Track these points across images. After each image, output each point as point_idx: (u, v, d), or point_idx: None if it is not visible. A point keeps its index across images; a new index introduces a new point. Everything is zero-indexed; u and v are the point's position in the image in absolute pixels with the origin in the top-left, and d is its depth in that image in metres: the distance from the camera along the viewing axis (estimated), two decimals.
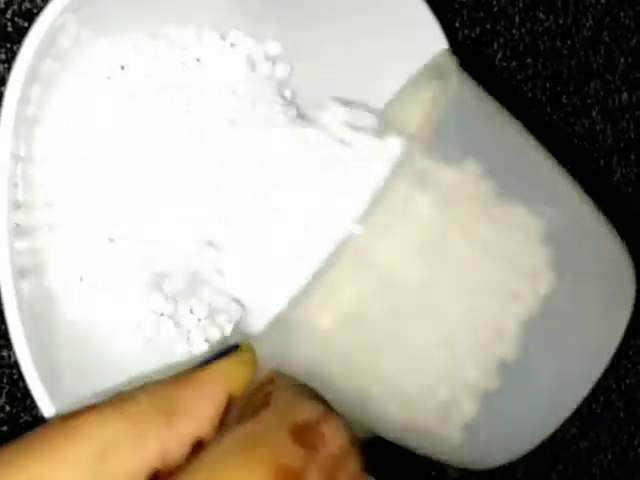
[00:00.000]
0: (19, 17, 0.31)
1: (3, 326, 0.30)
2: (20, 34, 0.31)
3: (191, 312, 0.31)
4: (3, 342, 0.31)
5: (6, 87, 0.27)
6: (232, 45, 0.31)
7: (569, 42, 0.44)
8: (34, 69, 0.27)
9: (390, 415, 0.26)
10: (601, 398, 0.48)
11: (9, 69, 0.31)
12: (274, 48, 0.31)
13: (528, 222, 0.26)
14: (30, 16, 0.31)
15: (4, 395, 0.31)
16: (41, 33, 0.27)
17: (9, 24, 0.31)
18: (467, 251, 0.25)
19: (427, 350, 0.25)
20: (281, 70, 0.31)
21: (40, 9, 0.31)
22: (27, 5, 0.31)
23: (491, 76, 0.42)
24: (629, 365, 0.48)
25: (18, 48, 0.31)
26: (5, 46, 0.31)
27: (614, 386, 0.48)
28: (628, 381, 0.48)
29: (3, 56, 0.31)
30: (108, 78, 0.29)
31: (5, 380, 0.32)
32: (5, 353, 0.31)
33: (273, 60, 0.31)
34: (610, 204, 0.46)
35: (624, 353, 0.48)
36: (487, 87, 0.42)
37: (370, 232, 0.24)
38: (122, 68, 0.30)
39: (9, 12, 0.31)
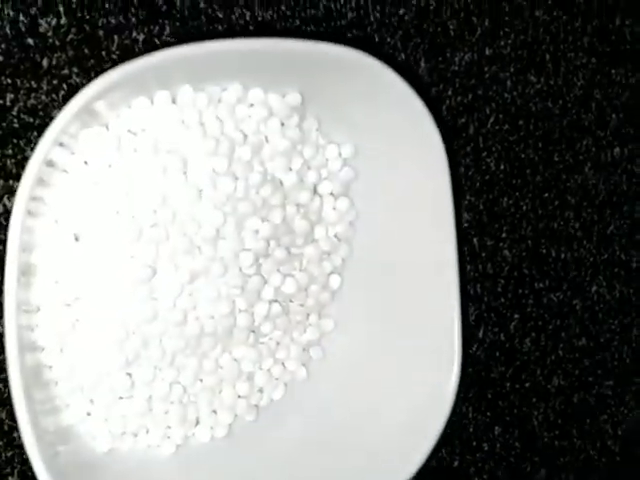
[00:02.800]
0: (25, 113, 0.32)
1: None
2: (26, 129, 0.32)
3: None
4: (13, 424, 0.32)
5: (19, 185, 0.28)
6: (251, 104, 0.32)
7: (560, 102, 0.45)
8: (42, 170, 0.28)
9: None
10: (598, 443, 0.49)
11: (16, 165, 0.32)
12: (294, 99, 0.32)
13: None
14: (35, 112, 0.32)
15: (15, 475, 0.33)
16: (50, 141, 0.28)
17: (15, 121, 0.32)
18: None
19: None
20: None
21: (45, 105, 0.32)
22: (32, 102, 0.32)
23: (485, 139, 0.43)
24: (625, 411, 0.49)
25: (25, 144, 0.32)
26: (12, 142, 0.32)
27: (610, 432, 0.49)
28: (624, 427, 0.49)
29: (10, 151, 0.32)
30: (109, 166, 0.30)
31: (16, 460, 0.33)
32: (16, 434, 0.32)
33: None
34: (605, 256, 0.47)
35: (620, 399, 0.49)
36: (480, 150, 0.43)
37: None
38: (134, 134, 0.31)
39: (15, 109, 0.32)
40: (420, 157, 0.35)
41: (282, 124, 0.33)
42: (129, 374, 0.32)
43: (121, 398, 0.32)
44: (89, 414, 0.32)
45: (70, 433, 0.31)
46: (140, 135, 0.30)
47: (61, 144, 0.29)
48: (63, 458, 0.30)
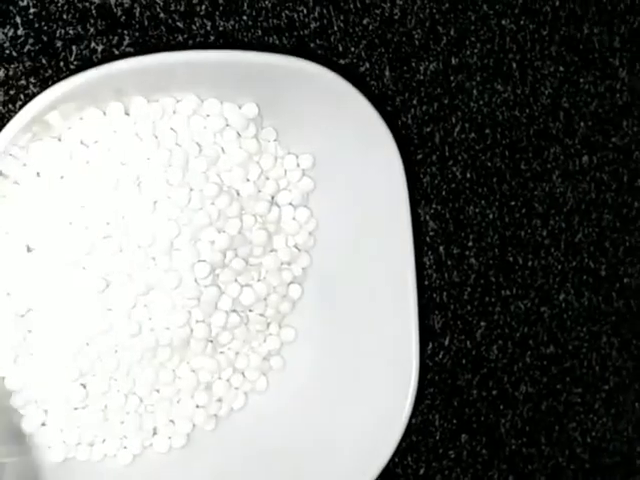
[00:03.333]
0: None
1: None
2: None
3: None
4: None
5: None
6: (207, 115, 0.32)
7: (527, 110, 0.46)
8: None
9: None
10: (567, 451, 0.49)
11: None
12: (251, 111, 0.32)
13: None
14: None
15: None
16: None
17: None
18: None
19: None
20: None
21: (2, 116, 0.32)
22: None
23: (451, 148, 0.43)
24: (594, 418, 0.49)
25: None
26: None
27: (579, 439, 0.49)
28: (593, 434, 0.50)
29: None
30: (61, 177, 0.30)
31: None
32: None
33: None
34: (573, 264, 0.48)
35: (589, 407, 0.49)
36: (446, 158, 0.43)
37: None
38: (87, 146, 0.31)
39: None
40: (378, 167, 0.35)
41: (239, 135, 0.33)
42: (83, 385, 0.32)
43: (76, 408, 0.32)
44: (44, 424, 0.32)
45: (24, 444, 0.31)
46: (92, 147, 0.30)
47: (11, 155, 0.29)
48: (11, 469, 0.30)
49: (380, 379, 0.37)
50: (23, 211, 0.30)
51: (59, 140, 0.30)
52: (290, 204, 0.35)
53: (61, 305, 0.30)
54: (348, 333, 0.37)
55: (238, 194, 0.33)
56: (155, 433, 0.34)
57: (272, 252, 0.35)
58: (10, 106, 0.33)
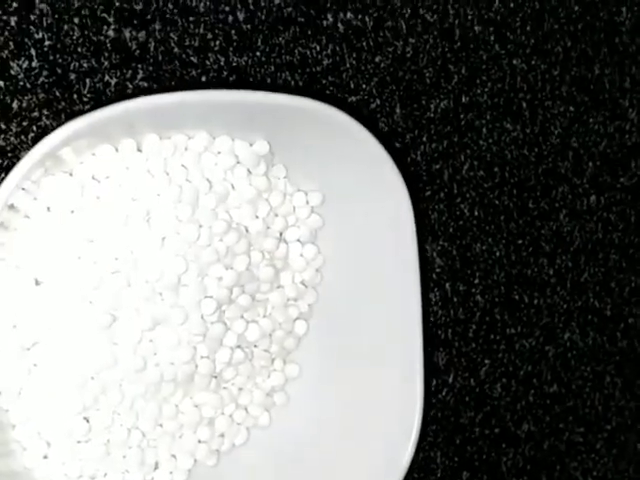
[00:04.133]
0: None
1: None
2: None
3: None
4: None
5: None
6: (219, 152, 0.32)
7: (536, 149, 0.46)
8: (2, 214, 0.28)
9: None
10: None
11: None
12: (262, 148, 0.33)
13: None
14: (4, 153, 0.33)
15: None
16: (12, 186, 0.28)
17: None
18: None
19: None
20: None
21: (14, 147, 0.33)
22: (1, 143, 0.33)
23: (459, 185, 0.43)
24: (596, 458, 0.49)
25: None
26: None
27: (581, 479, 0.49)
28: (595, 473, 0.49)
29: None
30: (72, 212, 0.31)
31: None
32: None
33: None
34: (579, 303, 0.48)
35: (591, 447, 0.49)
36: (454, 196, 0.43)
37: None
38: (98, 181, 0.31)
39: None
40: (386, 206, 0.35)
41: (249, 172, 0.33)
42: (86, 419, 0.32)
43: (79, 442, 0.32)
44: (46, 457, 0.32)
45: (26, 477, 0.31)
46: (104, 182, 0.30)
47: (23, 189, 0.29)
48: None
49: (384, 416, 0.37)
50: (33, 244, 0.30)
51: (71, 175, 0.30)
52: (298, 240, 0.35)
53: (67, 339, 0.30)
54: (353, 370, 0.37)
55: (247, 231, 0.33)
56: (157, 467, 0.34)
57: (279, 288, 0.35)
58: (23, 137, 0.33)
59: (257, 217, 0.33)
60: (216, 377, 0.34)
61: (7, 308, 0.30)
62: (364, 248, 0.36)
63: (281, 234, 0.35)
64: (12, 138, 0.33)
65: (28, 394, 0.31)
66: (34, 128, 0.33)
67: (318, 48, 0.39)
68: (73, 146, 0.29)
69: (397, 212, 0.35)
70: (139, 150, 0.31)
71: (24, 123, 0.33)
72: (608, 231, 0.48)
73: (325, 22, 0.38)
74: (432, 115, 0.42)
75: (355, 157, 0.33)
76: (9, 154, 0.33)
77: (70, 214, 0.30)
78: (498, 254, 0.45)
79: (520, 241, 0.46)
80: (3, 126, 0.33)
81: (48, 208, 0.30)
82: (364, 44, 0.40)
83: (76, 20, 0.33)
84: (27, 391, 0.31)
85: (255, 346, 0.35)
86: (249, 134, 0.33)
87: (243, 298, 0.34)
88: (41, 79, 0.33)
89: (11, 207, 0.29)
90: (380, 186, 0.34)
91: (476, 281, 0.45)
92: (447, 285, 0.44)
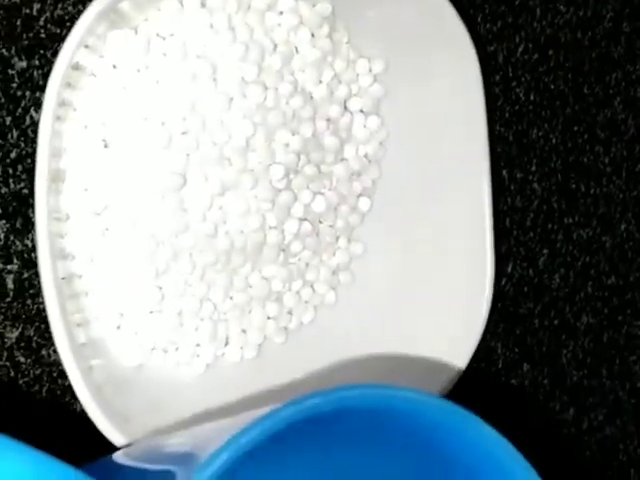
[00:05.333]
0: (52, 24, 0.32)
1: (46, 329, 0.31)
2: (53, 40, 0.32)
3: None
4: (42, 341, 0.32)
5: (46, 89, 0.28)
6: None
7: (589, 34, 0.45)
8: (68, 73, 0.28)
9: None
10: (627, 385, 0.48)
11: (43, 77, 0.31)
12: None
13: None
14: (62, 23, 0.32)
15: (44, 392, 0.32)
16: (76, 41, 0.28)
17: (42, 31, 0.32)
18: None
19: None
20: None
21: (72, 16, 0.32)
22: (59, 12, 0.32)
23: (514, 68, 0.43)
24: None
25: (52, 55, 0.32)
26: (39, 52, 0.32)
27: None
28: None
29: (37, 62, 0.32)
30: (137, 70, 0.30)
31: (45, 378, 0.32)
32: (45, 352, 0.32)
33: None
34: (635, 193, 0.47)
35: None
36: (510, 79, 0.42)
37: None
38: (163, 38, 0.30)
39: (42, 19, 0.32)
40: (452, 74, 0.34)
41: (312, 34, 0.32)
42: (159, 287, 0.31)
43: (151, 312, 0.31)
44: (119, 327, 0.31)
45: (101, 347, 0.31)
46: (169, 39, 0.30)
47: (87, 46, 0.28)
48: (98, 372, 0.30)
49: (450, 297, 0.36)
50: (100, 105, 0.29)
51: (135, 32, 0.29)
52: (361, 111, 0.35)
53: (138, 202, 0.30)
54: (417, 250, 0.37)
55: (311, 97, 0.33)
56: (227, 343, 0.33)
57: (343, 161, 0.35)
58: (80, 7, 0.32)
59: (321, 82, 0.33)
60: (284, 250, 0.34)
61: (78, 171, 0.29)
62: (429, 123, 0.35)
63: (345, 103, 0.34)
64: (70, 7, 0.32)
65: (101, 259, 0.30)
66: None
67: None
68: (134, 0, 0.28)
69: (465, 80, 0.34)
70: (203, 6, 0.30)
71: None
72: None
73: None
74: None
75: (424, 22, 0.33)
76: (67, 23, 0.32)
77: (136, 72, 0.29)
78: (554, 141, 0.44)
79: (576, 128, 0.45)
80: None
81: (114, 66, 0.29)
82: None
83: None
84: (100, 256, 0.30)
85: (320, 222, 0.35)
86: None
87: (309, 168, 0.33)
88: None
89: (76, 66, 0.28)
90: (449, 55, 0.33)
91: (533, 168, 0.44)
92: (504, 172, 0.43)
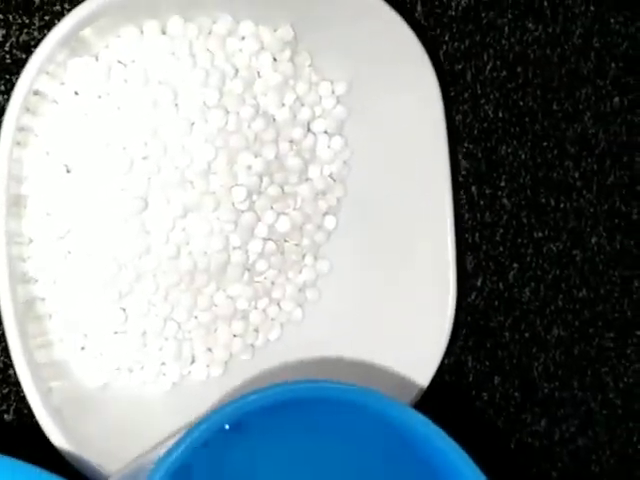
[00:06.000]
0: (17, 49, 0.32)
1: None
2: (18, 65, 0.32)
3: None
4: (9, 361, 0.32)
5: (4, 115, 0.28)
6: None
7: (559, 50, 0.45)
8: (29, 99, 0.28)
9: None
10: (599, 396, 0.49)
11: (8, 100, 0.32)
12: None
13: None
14: (27, 48, 0.32)
15: (11, 412, 0.33)
16: (35, 68, 0.28)
17: (7, 56, 0.32)
18: None
19: None
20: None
21: (37, 41, 0.32)
22: (24, 37, 0.32)
23: (483, 86, 0.43)
24: (627, 364, 0.49)
25: (17, 80, 0.32)
26: (4, 77, 0.32)
27: (612, 384, 0.49)
28: (626, 379, 0.49)
29: (2, 87, 0.32)
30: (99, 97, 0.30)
31: (12, 397, 0.33)
32: (12, 371, 0.33)
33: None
34: (605, 207, 0.47)
35: (622, 352, 0.49)
36: (478, 96, 0.43)
37: None
38: (124, 65, 0.30)
39: (7, 45, 0.32)
40: (414, 95, 0.34)
41: (274, 59, 0.33)
42: (123, 308, 0.32)
43: (115, 333, 0.32)
44: (83, 348, 0.32)
45: (64, 368, 0.31)
46: (130, 66, 0.30)
47: (48, 73, 0.28)
48: (58, 393, 0.30)
49: (415, 313, 0.37)
50: (62, 131, 0.30)
51: (96, 59, 0.30)
52: (325, 132, 0.35)
53: (100, 226, 0.30)
54: (383, 266, 0.37)
55: (274, 119, 0.33)
56: (193, 361, 0.34)
57: (307, 181, 0.35)
58: (46, 31, 0.33)
59: (283, 105, 0.33)
60: (249, 270, 0.34)
61: (40, 196, 0.30)
62: (392, 141, 0.36)
63: (308, 124, 0.34)
64: (35, 32, 0.33)
65: (64, 282, 0.31)
66: (56, 22, 0.33)
67: None
68: (96, 26, 0.28)
69: (426, 101, 0.34)
70: (163, 33, 0.31)
71: (46, 17, 0.33)
72: (632, 134, 0.48)
73: None
74: (453, 13, 0.42)
75: (384, 44, 0.33)
76: (32, 48, 0.32)
77: (97, 99, 0.30)
78: (523, 157, 0.45)
79: (545, 143, 0.45)
80: (26, 20, 0.32)
81: (75, 92, 0.30)
82: None
83: None
84: (63, 279, 0.31)
85: (286, 240, 0.35)
86: (273, 19, 0.32)
87: (272, 188, 0.33)
88: None
89: (37, 92, 0.29)
90: (409, 75, 0.34)
91: (502, 184, 0.44)
92: (473, 188, 0.44)
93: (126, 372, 0.33)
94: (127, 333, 0.32)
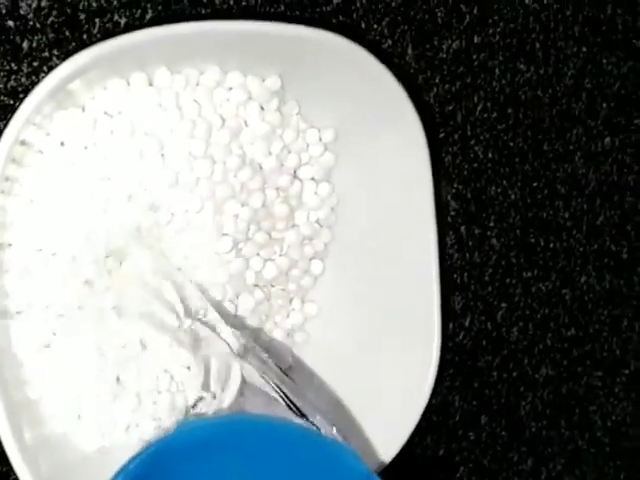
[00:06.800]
0: (5, 95, 0.32)
1: None
2: (6, 111, 0.32)
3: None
4: None
5: None
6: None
7: (550, 91, 0.45)
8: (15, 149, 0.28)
9: None
10: (587, 435, 0.49)
11: None
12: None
13: None
14: (15, 94, 0.32)
15: None
16: (22, 120, 0.28)
17: None
18: None
19: None
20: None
21: (25, 87, 0.32)
22: (12, 84, 0.32)
23: (473, 127, 0.43)
24: (615, 402, 0.49)
25: (4, 126, 0.32)
26: None
27: (599, 423, 0.49)
28: (614, 417, 0.49)
29: None
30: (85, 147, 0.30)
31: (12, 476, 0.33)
32: None
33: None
34: (595, 246, 0.47)
35: (610, 390, 0.49)
36: (468, 137, 0.43)
37: None
38: (110, 116, 0.31)
39: None
40: (401, 143, 0.35)
41: (262, 108, 0.33)
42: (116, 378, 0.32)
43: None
44: (79, 417, 0.32)
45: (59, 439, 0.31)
46: (116, 117, 0.30)
47: (35, 124, 0.29)
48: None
49: (401, 356, 0.37)
50: (47, 181, 0.30)
51: (82, 110, 0.30)
52: (312, 179, 0.35)
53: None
54: (369, 310, 0.37)
55: (260, 168, 0.33)
56: (188, 412, 0.34)
57: (294, 227, 0.35)
58: (34, 78, 0.33)
59: (270, 154, 0.33)
60: (236, 317, 0.34)
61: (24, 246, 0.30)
62: (379, 187, 0.36)
63: (295, 172, 0.35)
64: (23, 79, 0.33)
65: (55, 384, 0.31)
66: (44, 68, 0.33)
67: None
68: (84, 79, 0.29)
69: (412, 148, 0.34)
70: (150, 85, 0.31)
71: (34, 63, 0.33)
72: (623, 173, 0.48)
73: None
74: (444, 56, 0.42)
75: (370, 93, 0.33)
76: (20, 95, 0.33)
77: (83, 150, 0.30)
78: (513, 197, 0.45)
79: (535, 184, 0.45)
80: (14, 67, 0.32)
81: (62, 143, 0.30)
82: None
83: None
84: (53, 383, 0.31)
85: (272, 285, 0.35)
86: (261, 69, 0.32)
87: (260, 235, 0.34)
88: (50, 19, 0.33)
89: (23, 143, 0.29)
90: (395, 122, 0.34)
91: (491, 224, 0.44)
92: (462, 228, 0.44)
93: (122, 431, 0.32)
94: (120, 397, 0.32)
